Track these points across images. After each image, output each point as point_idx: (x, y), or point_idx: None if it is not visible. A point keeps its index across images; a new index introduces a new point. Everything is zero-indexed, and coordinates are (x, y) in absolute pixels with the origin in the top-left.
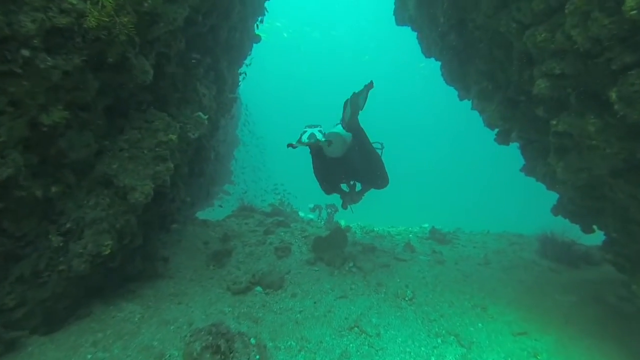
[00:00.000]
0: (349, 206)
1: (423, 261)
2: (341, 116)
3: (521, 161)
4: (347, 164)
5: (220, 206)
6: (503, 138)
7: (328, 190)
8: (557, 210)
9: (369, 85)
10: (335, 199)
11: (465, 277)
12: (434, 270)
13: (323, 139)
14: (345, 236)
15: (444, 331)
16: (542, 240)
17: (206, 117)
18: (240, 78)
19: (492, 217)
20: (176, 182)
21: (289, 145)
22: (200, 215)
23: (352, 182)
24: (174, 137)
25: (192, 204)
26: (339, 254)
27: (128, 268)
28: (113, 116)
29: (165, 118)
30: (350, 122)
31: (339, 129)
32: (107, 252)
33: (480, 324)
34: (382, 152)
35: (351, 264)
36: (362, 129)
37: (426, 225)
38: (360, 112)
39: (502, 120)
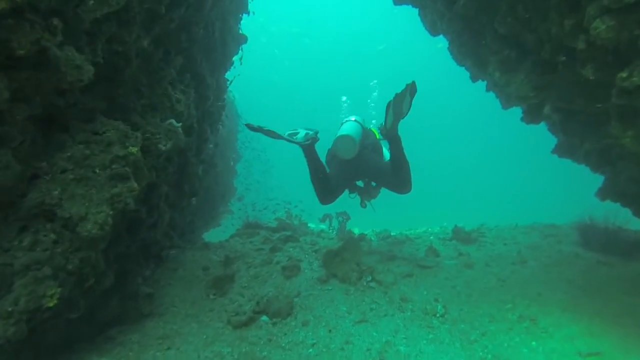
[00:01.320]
0: (368, 203)
1: (450, 266)
2: (382, 122)
3: (543, 144)
4: (361, 166)
5: (219, 225)
6: (532, 115)
7: (328, 199)
8: (604, 193)
9: (412, 88)
10: (346, 205)
11: (501, 282)
12: (464, 275)
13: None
14: (359, 246)
15: (490, 356)
16: (582, 229)
17: (179, 125)
18: (228, 83)
19: (516, 209)
20: (156, 205)
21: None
22: (207, 236)
23: (366, 180)
24: (134, 149)
25: (190, 227)
26: (353, 267)
27: (100, 314)
28: (49, 130)
29: (121, 127)
30: (391, 130)
31: (354, 128)
32: (52, 304)
33: (534, 343)
34: None
35: (369, 278)
36: (399, 138)
37: (446, 224)
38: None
39: (535, 91)
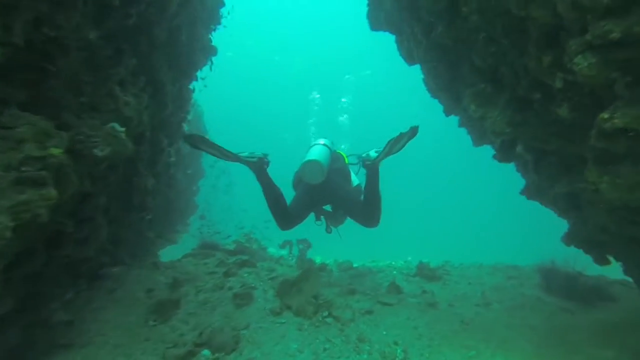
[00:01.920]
0: (334, 229)
1: (412, 304)
2: (371, 153)
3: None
4: (328, 191)
5: (176, 243)
6: (504, 153)
7: (288, 224)
8: (569, 238)
9: (413, 132)
10: (309, 232)
11: (465, 325)
12: (427, 316)
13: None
14: (318, 276)
15: None
16: (544, 272)
17: (123, 130)
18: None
19: (480, 247)
20: (89, 218)
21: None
22: (163, 254)
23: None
24: (57, 151)
25: (142, 243)
26: (310, 300)
27: None
28: None
29: (40, 124)
30: (376, 163)
31: (322, 152)
32: None
33: None
34: (358, 168)
35: (325, 313)
36: (378, 172)
37: (410, 258)
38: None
39: (510, 127)
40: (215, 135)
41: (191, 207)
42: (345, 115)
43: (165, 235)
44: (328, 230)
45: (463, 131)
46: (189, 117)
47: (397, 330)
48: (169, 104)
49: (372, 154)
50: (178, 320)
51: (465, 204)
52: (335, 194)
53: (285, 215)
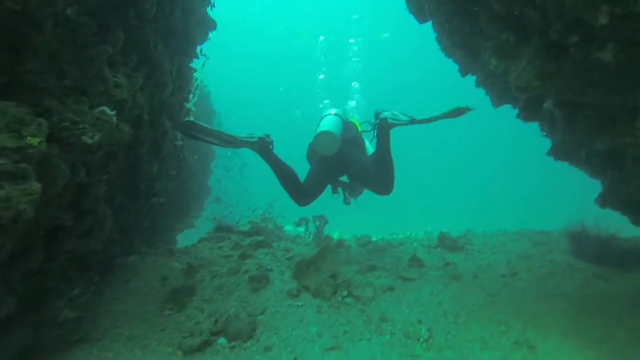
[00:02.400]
0: (353, 200)
1: (435, 278)
2: (386, 114)
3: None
4: (343, 162)
5: (192, 226)
6: (530, 111)
7: (305, 199)
8: (605, 200)
9: (462, 111)
10: (325, 208)
11: (492, 298)
12: (451, 290)
13: None
14: (336, 254)
15: None
16: (573, 237)
17: (113, 113)
18: (196, 73)
19: (502, 213)
20: (89, 209)
21: None
22: (181, 238)
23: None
24: (36, 140)
25: (158, 229)
26: (328, 280)
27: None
28: None
29: (11, 110)
30: (389, 125)
31: (335, 122)
32: None
33: None
34: (373, 134)
35: (345, 293)
36: (389, 134)
37: (430, 228)
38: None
39: (540, 80)
40: (225, 116)
41: (205, 190)
42: (356, 83)
43: (181, 220)
44: (346, 202)
45: (481, 92)
46: (195, 99)
47: (420, 307)
48: (168, 83)
49: (387, 114)
50: (194, 308)
51: (485, 170)
52: (350, 165)
53: (300, 190)
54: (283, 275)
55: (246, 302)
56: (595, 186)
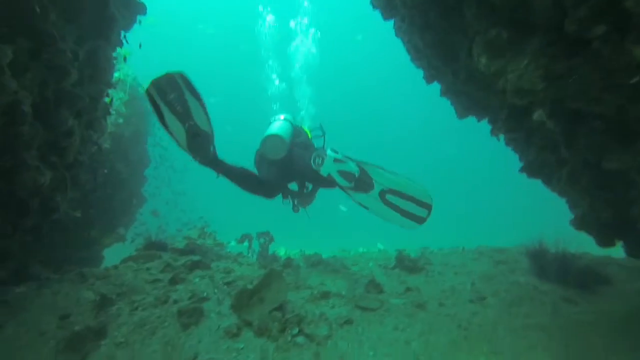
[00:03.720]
0: (303, 210)
1: (397, 307)
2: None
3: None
4: (292, 166)
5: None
6: (513, 122)
7: (272, 192)
8: (582, 223)
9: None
10: (270, 224)
11: (464, 332)
12: (417, 322)
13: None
14: (282, 280)
15: None
16: (533, 256)
17: None
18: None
19: (452, 229)
20: None
21: None
22: (108, 254)
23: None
24: None
25: (65, 249)
26: (274, 313)
27: None
28: None
29: None
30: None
31: (283, 126)
32: None
33: None
34: (324, 140)
35: (295, 330)
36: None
37: (381, 246)
38: None
39: (546, 82)
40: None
41: (139, 200)
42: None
43: (108, 234)
44: (295, 210)
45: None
46: (126, 97)
47: (386, 349)
48: (69, 68)
49: (330, 153)
50: (100, 358)
51: (435, 183)
52: (299, 168)
53: (262, 184)
54: (221, 305)
55: (173, 344)
56: (544, 203)
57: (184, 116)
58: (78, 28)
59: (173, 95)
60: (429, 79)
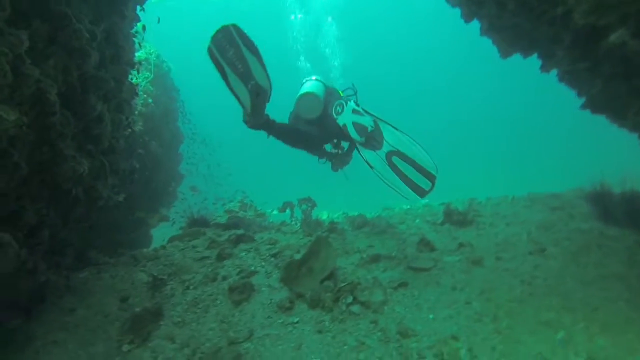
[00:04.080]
0: (341, 170)
1: (452, 265)
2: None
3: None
4: (327, 124)
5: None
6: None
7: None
8: None
9: None
10: (310, 189)
11: (527, 286)
12: (475, 280)
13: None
14: (330, 247)
15: None
16: (594, 199)
17: None
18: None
19: (496, 176)
20: None
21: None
22: (156, 234)
23: (334, 142)
24: None
25: (116, 232)
26: (326, 283)
27: None
28: None
29: None
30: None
31: (316, 85)
32: None
33: None
34: (355, 99)
35: (349, 299)
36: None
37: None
38: None
39: None
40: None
41: (176, 177)
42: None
43: (152, 215)
44: (334, 169)
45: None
46: (152, 76)
47: (446, 310)
48: (89, 50)
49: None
50: (161, 337)
51: (467, 131)
52: (335, 126)
53: (309, 139)
54: (270, 278)
55: (228, 321)
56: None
57: (246, 75)
58: (93, 6)
59: (232, 51)
60: (468, 16)
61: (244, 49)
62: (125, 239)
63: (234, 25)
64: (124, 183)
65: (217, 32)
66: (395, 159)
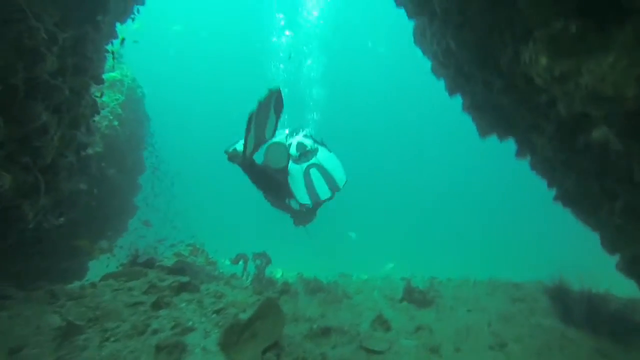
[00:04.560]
0: (305, 228)
1: (408, 350)
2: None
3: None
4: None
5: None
6: (560, 141)
7: (274, 203)
8: (631, 265)
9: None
10: (267, 243)
11: None
12: None
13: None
14: (279, 312)
15: None
16: (555, 296)
17: None
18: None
19: (458, 257)
20: None
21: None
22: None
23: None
24: None
25: (41, 261)
26: (268, 357)
27: None
28: None
29: None
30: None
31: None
32: None
33: None
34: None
35: None
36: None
37: (391, 265)
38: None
39: None
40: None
41: (130, 209)
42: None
43: (96, 243)
44: (296, 223)
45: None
46: (122, 98)
47: None
48: (44, 52)
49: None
50: None
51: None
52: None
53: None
54: (207, 338)
55: None
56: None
57: (261, 128)
58: (62, 8)
59: (265, 111)
60: (452, 90)
61: (272, 110)
62: (54, 268)
63: (279, 90)
64: (69, 205)
65: (270, 93)
66: (312, 170)
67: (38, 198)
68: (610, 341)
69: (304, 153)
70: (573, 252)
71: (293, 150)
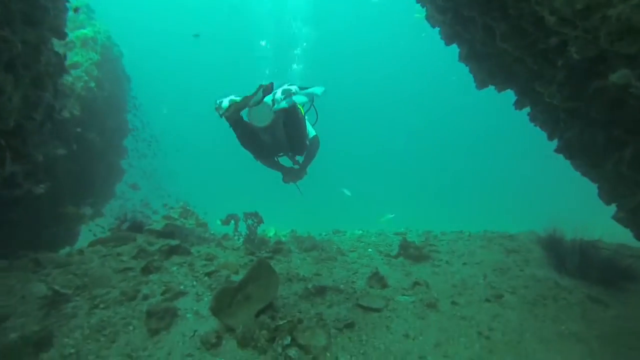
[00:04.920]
0: (296, 186)
1: (405, 307)
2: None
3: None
4: (276, 133)
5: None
6: (571, 88)
7: (264, 162)
8: (632, 216)
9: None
10: (258, 203)
11: (485, 340)
12: (430, 328)
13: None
14: (272, 274)
15: None
16: (548, 246)
17: None
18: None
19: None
20: None
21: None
22: (85, 232)
23: (289, 155)
24: None
25: (27, 228)
26: (263, 318)
27: None
28: None
29: None
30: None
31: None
32: None
33: None
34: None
35: (287, 340)
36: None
37: (390, 215)
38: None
39: None
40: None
41: (116, 172)
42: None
43: (82, 208)
44: (285, 180)
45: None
46: (97, 57)
47: None
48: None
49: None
50: None
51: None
52: (288, 136)
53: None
54: (200, 301)
55: (135, 357)
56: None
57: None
58: None
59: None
60: (449, 38)
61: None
62: (39, 236)
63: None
64: (39, 172)
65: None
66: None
67: (3, 164)
68: (601, 287)
69: (289, 95)
70: (566, 202)
71: (279, 95)
